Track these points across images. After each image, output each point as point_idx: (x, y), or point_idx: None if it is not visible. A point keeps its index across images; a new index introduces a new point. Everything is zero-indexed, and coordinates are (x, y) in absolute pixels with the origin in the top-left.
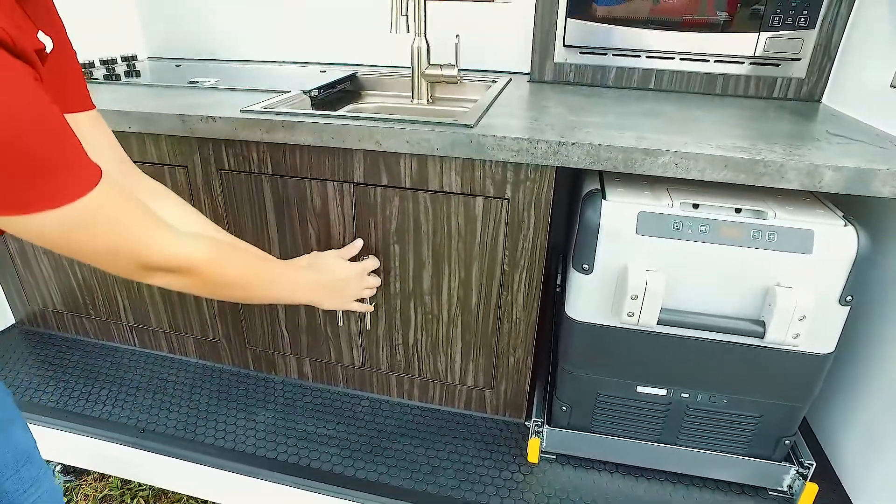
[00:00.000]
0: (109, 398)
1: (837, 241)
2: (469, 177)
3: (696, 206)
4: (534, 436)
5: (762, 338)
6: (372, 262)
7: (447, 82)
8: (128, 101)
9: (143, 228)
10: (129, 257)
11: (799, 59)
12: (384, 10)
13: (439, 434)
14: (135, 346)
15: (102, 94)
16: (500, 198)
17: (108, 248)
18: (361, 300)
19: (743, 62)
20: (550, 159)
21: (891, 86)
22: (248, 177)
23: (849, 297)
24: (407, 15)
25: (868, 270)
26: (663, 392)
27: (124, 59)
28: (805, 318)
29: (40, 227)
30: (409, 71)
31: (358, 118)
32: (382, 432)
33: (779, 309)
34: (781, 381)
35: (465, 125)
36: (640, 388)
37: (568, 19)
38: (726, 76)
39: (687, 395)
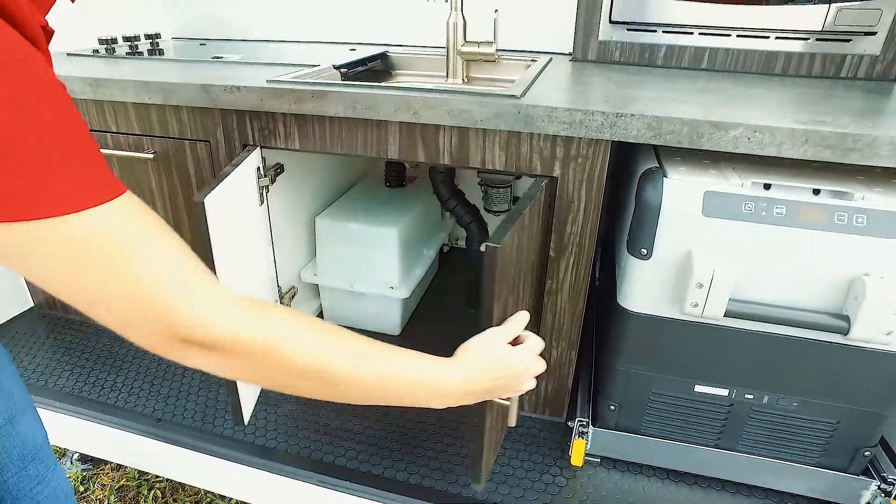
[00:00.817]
0: (126, 385)
1: None
2: (514, 152)
3: (767, 186)
4: (578, 437)
5: (846, 334)
6: (536, 342)
7: (484, 60)
8: (150, 74)
9: (180, 277)
10: (149, 316)
11: (874, 34)
12: None
13: (474, 431)
14: None
15: (124, 68)
16: (547, 176)
17: (105, 292)
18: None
19: (808, 38)
20: (606, 132)
21: None
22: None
23: None
24: None
25: None
26: (725, 392)
27: (148, 36)
28: None
29: (11, 242)
30: (442, 51)
31: (395, 87)
32: (413, 429)
33: (868, 302)
34: (865, 384)
35: (512, 95)
36: (698, 388)
37: None
38: (787, 54)
39: (752, 397)
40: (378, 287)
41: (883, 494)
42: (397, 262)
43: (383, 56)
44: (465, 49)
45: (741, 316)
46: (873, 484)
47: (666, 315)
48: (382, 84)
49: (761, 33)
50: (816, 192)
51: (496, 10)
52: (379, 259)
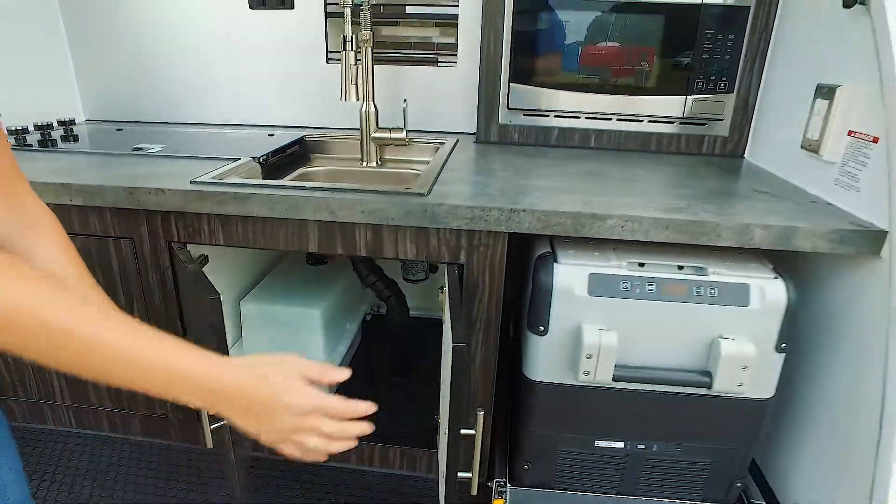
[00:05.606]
0: (41, 489)
1: (770, 293)
2: (424, 244)
3: (641, 264)
4: (497, 496)
5: (710, 388)
6: (340, 403)
7: (396, 145)
8: (68, 172)
9: None
10: None
11: (722, 120)
12: (330, 74)
13: (401, 500)
14: (72, 427)
15: (38, 164)
16: (454, 263)
17: None
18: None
19: (673, 122)
20: (503, 226)
21: (801, 147)
22: (198, 249)
23: (783, 345)
24: (357, 83)
25: (797, 318)
26: (621, 445)
27: (61, 123)
28: (747, 367)
29: None
30: (358, 133)
31: (312, 189)
32: (342, 501)
33: (723, 360)
34: (729, 426)
35: (419, 194)
36: (598, 443)
37: (511, 84)
38: (659, 135)
39: (643, 447)
40: None
41: None
42: (322, 343)
43: (301, 141)
44: (377, 135)
45: (626, 379)
46: None
47: (565, 382)
48: (301, 185)
49: (637, 118)
50: (681, 267)
51: (405, 101)
52: (304, 341)
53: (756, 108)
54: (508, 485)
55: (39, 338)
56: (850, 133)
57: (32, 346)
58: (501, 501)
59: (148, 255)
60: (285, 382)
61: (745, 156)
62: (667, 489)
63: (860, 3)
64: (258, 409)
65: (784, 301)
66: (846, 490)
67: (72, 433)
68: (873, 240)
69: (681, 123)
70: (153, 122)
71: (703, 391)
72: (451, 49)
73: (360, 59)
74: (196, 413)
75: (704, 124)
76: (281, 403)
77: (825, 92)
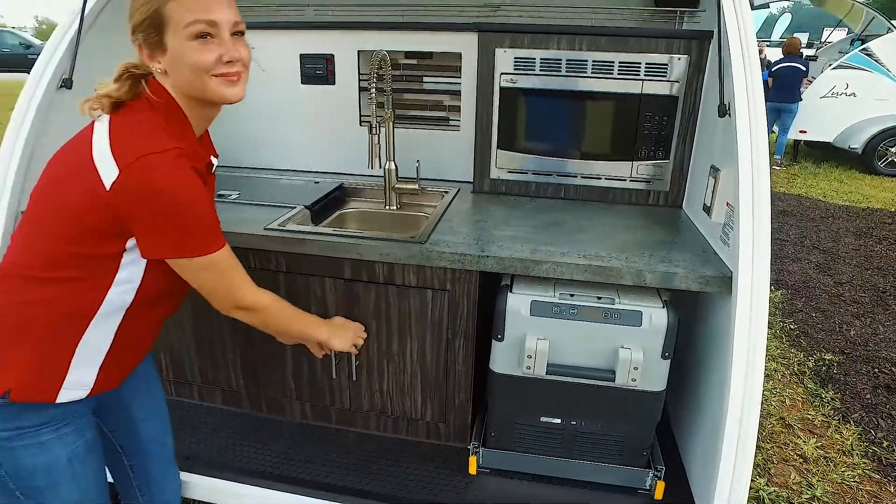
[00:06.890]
0: None
1: (657, 317)
2: (422, 276)
3: (572, 295)
4: (472, 454)
5: (613, 381)
6: (360, 328)
7: (411, 194)
8: None
9: (239, 280)
10: (228, 296)
11: (662, 179)
12: (363, 133)
13: (407, 456)
14: (172, 396)
15: None
16: (443, 289)
17: (218, 286)
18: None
19: (625, 180)
20: (474, 266)
21: (702, 209)
22: (269, 274)
23: (667, 354)
24: (379, 156)
25: (677, 336)
26: (558, 421)
27: None
28: (637, 368)
29: (189, 265)
30: (383, 180)
31: (348, 236)
32: (366, 456)
33: (621, 363)
34: (633, 411)
35: (419, 242)
36: (543, 419)
37: (498, 150)
38: (614, 189)
39: (575, 423)
40: None
41: (655, 478)
42: None
43: (340, 187)
44: (397, 186)
45: (556, 373)
46: (650, 472)
47: (516, 374)
48: (339, 233)
49: (596, 176)
50: (599, 297)
51: (418, 161)
52: None
53: (690, 171)
54: (481, 447)
55: (291, 325)
56: (727, 204)
57: (286, 328)
58: (474, 458)
59: None
60: (346, 322)
61: (683, 207)
62: (594, 454)
63: (728, 115)
64: (341, 334)
65: (665, 324)
66: (715, 457)
67: (172, 401)
68: (726, 283)
69: (631, 181)
70: (233, 167)
71: (610, 384)
72: (457, 109)
73: (383, 127)
74: (258, 387)
75: (650, 182)
76: (348, 329)
77: (714, 172)
